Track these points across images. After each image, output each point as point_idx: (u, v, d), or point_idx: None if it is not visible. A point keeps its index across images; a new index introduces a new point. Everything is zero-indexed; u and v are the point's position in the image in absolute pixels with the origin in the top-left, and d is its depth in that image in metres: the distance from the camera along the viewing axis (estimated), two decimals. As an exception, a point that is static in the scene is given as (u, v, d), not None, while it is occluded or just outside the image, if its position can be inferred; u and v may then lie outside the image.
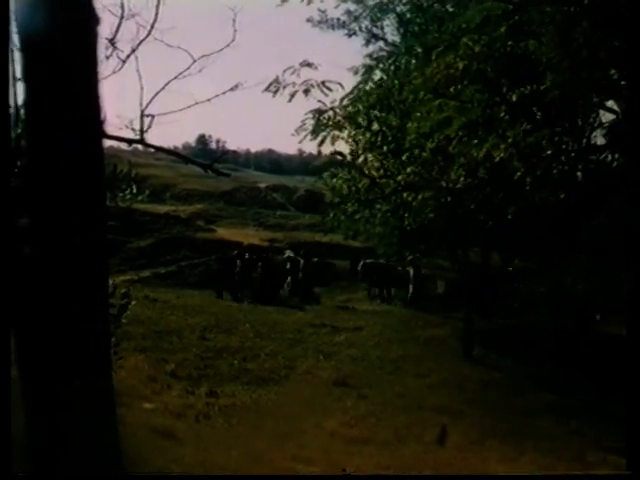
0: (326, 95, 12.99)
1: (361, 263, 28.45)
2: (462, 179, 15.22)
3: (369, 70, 19.36)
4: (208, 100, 9.49)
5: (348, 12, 19.34)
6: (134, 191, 10.23)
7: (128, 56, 8.62)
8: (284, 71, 12.66)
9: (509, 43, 11.65)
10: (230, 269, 26.55)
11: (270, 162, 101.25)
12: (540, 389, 15.89)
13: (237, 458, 9.35)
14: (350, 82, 20.38)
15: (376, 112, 13.33)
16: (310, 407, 13.36)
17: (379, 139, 14.45)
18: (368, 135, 14.60)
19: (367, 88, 16.02)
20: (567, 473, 10.46)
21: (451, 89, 12.32)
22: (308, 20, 19.40)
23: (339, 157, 17.06)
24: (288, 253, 29.51)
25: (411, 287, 27.87)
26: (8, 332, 4.87)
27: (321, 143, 13.87)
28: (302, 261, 28.17)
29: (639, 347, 5.79)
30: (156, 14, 8.41)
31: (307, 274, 27.68)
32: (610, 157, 19.73)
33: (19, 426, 6.10)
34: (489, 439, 12.10)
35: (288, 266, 28.03)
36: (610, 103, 15.17)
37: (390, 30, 20.58)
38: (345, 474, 8.04)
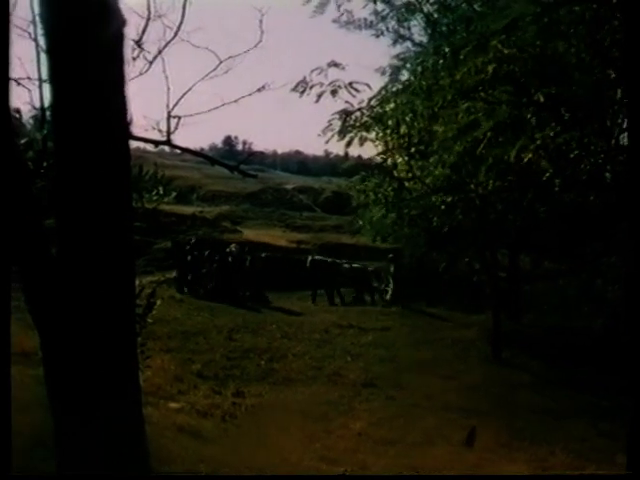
0: (354, 96, 12.96)
1: (309, 259, 27.88)
2: (491, 181, 15.13)
3: (396, 71, 19.26)
4: (235, 101, 9.52)
5: (375, 12, 19.23)
6: (161, 192, 10.27)
7: (155, 57, 8.67)
8: (311, 72, 12.64)
9: (537, 43, 11.56)
10: (182, 259, 25.88)
11: (297, 163, 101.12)
12: (569, 391, 15.75)
13: (264, 458, 9.34)
14: (377, 83, 20.32)
15: (404, 114, 13.25)
16: (337, 408, 13.34)
17: (407, 141, 14.38)
18: (396, 137, 14.53)
19: (394, 89, 15.95)
20: (567, 473, 10.39)
21: (481, 93, 12.22)
22: (334, 21, 19.28)
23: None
24: (232, 247, 27.80)
25: (391, 285, 27.50)
26: (8, 331, 4.87)
27: (348, 144, 13.82)
28: (249, 258, 26.83)
29: (639, 347, 5.75)
30: (183, 15, 8.45)
31: (254, 272, 26.24)
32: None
33: (47, 426, 6.14)
34: (518, 441, 12.02)
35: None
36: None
37: (417, 30, 20.47)
38: (345, 474, 8.03)
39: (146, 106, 8.32)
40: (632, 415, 5.69)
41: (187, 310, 20.80)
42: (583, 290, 22.76)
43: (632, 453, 5.54)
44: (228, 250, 26.81)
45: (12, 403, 8.89)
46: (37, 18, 7.19)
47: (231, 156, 73.78)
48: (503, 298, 21.29)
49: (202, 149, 65.78)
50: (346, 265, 28.51)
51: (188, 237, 29.91)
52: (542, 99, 11.41)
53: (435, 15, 17.65)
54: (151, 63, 8.72)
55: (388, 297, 27.38)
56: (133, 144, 7.54)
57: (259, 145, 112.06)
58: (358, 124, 13.66)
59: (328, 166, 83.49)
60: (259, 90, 9.63)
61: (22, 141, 8.25)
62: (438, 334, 20.80)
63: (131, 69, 8.23)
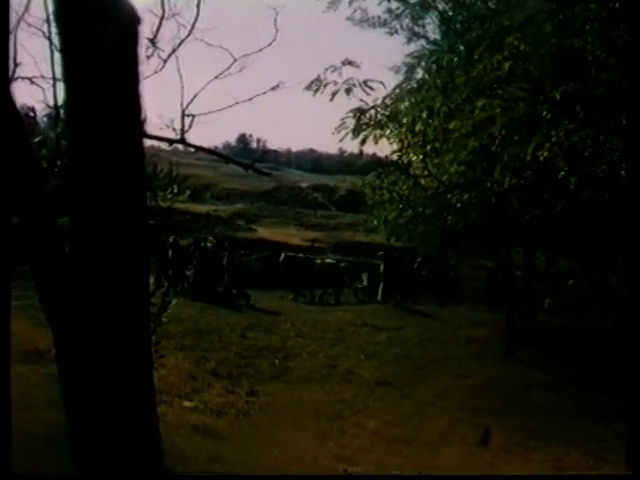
0: (368, 94, 12.94)
1: (282, 256, 27.50)
2: (507, 179, 15.08)
3: (411, 69, 19.27)
4: (249, 99, 9.52)
5: (389, 10, 19.18)
6: (175, 191, 10.30)
7: (169, 56, 8.68)
8: (325, 70, 12.63)
9: (553, 41, 11.50)
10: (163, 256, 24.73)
11: (311, 161, 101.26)
12: (585, 390, 15.68)
13: (278, 457, 9.34)
14: (392, 81, 20.30)
15: (420, 112, 13.21)
16: (351, 406, 13.32)
17: (422, 139, 14.34)
18: (411, 135, 14.49)
19: (409, 87, 15.93)
20: (567, 473, 10.33)
21: (498, 90, 12.17)
22: (348, 19, 19.26)
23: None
24: (207, 243, 26.73)
25: (382, 283, 27.38)
26: (8, 331, 4.87)
27: (363, 142, 13.81)
28: (226, 254, 25.66)
29: (639, 346, 5.72)
30: (197, 14, 8.45)
31: (234, 269, 25.22)
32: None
33: (60, 424, 6.14)
34: (533, 440, 11.96)
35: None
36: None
37: (431, 28, 20.44)
38: (345, 474, 8.02)
39: (160, 104, 8.34)
40: (632, 415, 5.65)
41: (201, 308, 20.82)
42: (597, 289, 22.68)
43: (632, 453, 5.51)
44: (203, 245, 25.85)
45: (25, 401, 8.91)
46: (51, 17, 7.21)
47: (245, 154, 73.99)
48: (518, 296, 21.24)
49: (216, 147, 66.07)
50: (318, 261, 28.31)
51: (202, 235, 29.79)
52: (558, 97, 11.35)
53: (449, 13, 17.64)
54: (165, 62, 8.73)
55: (379, 296, 27.24)
56: (147, 142, 7.56)
57: (273, 143, 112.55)
58: (372, 122, 13.64)
59: (342, 164, 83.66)
60: (273, 88, 9.61)
61: (36, 139, 8.28)
62: (452, 333, 20.77)
63: (145, 68, 8.25)
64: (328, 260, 28.65)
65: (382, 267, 27.68)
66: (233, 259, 25.46)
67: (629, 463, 5.51)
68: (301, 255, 28.33)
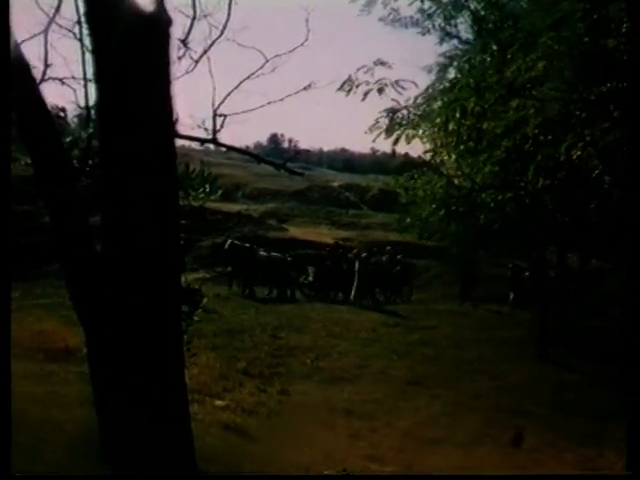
0: (400, 94, 12.91)
1: (228, 242, 26.00)
2: (541, 179, 15.00)
3: (443, 69, 19.18)
4: (281, 100, 9.56)
5: (421, 10, 19.10)
6: (207, 190, 10.33)
7: (200, 56, 8.76)
8: (357, 70, 12.62)
9: (586, 40, 11.41)
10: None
11: (342, 161, 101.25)
12: (618, 392, 15.50)
13: (309, 456, 9.34)
14: (424, 81, 20.21)
15: (453, 111, 13.16)
16: (383, 406, 13.28)
17: (456, 139, 14.28)
18: (444, 135, 14.44)
19: (441, 87, 15.88)
20: (567, 473, 10.23)
21: (532, 91, 12.10)
22: (381, 19, 19.20)
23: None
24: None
25: (355, 282, 26.43)
26: (8, 331, 4.91)
27: (395, 142, 13.78)
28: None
29: (638, 346, 5.67)
30: (228, 14, 8.52)
31: None
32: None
33: (91, 423, 6.19)
34: (566, 441, 11.85)
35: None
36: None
37: (464, 28, 20.32)
38: (345, 474, 7.99)
39: (192, 105, 8.40)
40: (632, 415, 5.61)
41: (233, 308, 20.89)
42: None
43: (632, 453, 5.47)
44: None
45: (56, 399, 8.97)
46: (82, 18, 7.26)
47: (276, 154, 74.31)
48: (551, 296, 21.08)
49: (247, 147, 66.20)
50: (263, 253, 26.78)
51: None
52: (593, 97, 11.27)
53: (482, 12, 17.52)
54: (197, 62, 8.80)
55: (352, 295, 26.29)
56: (178, 142, 7.60)
57: (305, 143, 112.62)
58: (405, 122, 13.61)
59: (375, 164, 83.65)
60: (305, 89, 9.66)
61: (67, 139, 8.34)
62: (484, 333, 20.65)
63: (177, 68, 8.31)
64: (274, 253, 27.19)
65: (357, 265, 26.77)
66: None
67: (629, 463, 5.48)
68: (247, 245, 26.78)
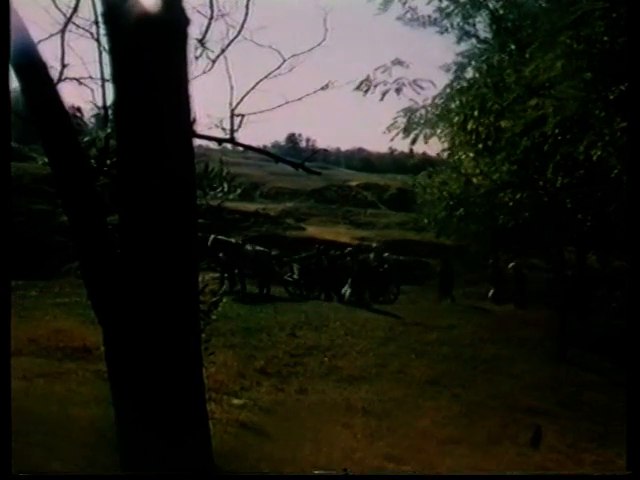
0: (418, 93, 12.90)
1: (211, 237, 25.00)
2: (559, 178, 14.93)
3: (461, 68, 19.13)
4: (299, 99, 9.55)
5: (439, 9, 19.06)
6: (225, 189, 10.34)
7: (218, 56, 8.75)
8: (375, 69, 12.62)
9: (605, 39, 11.35)
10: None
11: (360, 160, 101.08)
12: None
13: (327, 455, 9.33)
14: (442, 80, 20.17)
15: (472, 110, 13.12)
16: (401, 405, 13.25)
17: (474, 137, 14.24)
18: (462, 134, 14.41)
19: (459, 87, 15.85)
20: (567, 473, 10.17)
21: (551, 90, 12.04)
22: (398, 18, 19.17)
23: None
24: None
25: (350, 280, 25.87)
26: (8, 331, 4.92)
27: (413, 141, 13.78)
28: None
29: (638, 346, 5.62)
30: (246, 14, 8.50)
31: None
32: None
33: (108, 421, 6.21)
34: (585, 442, 11.82)
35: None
36: None
37: (482, 27, 20.26)
38: (345, 474, 7.99)
39: (209, 104, 8.41)
40: (632, 415, 5.57)
41: (250, 307, 20.92)
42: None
43: (632, 453, 5.43)
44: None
45: (73, 397, 9.02)
46: (99, 18, 7.28)
47: (294, 153, 74.31)
48: (571, 297, 20.98)
49: (265, 146, 66.20)
50: (249, 247, 26.42)
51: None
52: (612, 96, 11.21)
53: (500, 11, 17.47)
54: (214, 62, 8.80)
55: (346, 297, 25.50)
56: (196, 142, 7.62)
57: (322, 142, 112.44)
58: (423, 121, 13.60)
59: (393, 163, 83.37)
60: (323, 88, 9.63)
61: (85, 139, 8.37)
62: (503, 332, 20.56)
63: (194, 68, 8.32)
64: (259, 248, 26.87)
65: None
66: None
67: (629, 463, 5.45)
68: (232, 240, 26.39)
